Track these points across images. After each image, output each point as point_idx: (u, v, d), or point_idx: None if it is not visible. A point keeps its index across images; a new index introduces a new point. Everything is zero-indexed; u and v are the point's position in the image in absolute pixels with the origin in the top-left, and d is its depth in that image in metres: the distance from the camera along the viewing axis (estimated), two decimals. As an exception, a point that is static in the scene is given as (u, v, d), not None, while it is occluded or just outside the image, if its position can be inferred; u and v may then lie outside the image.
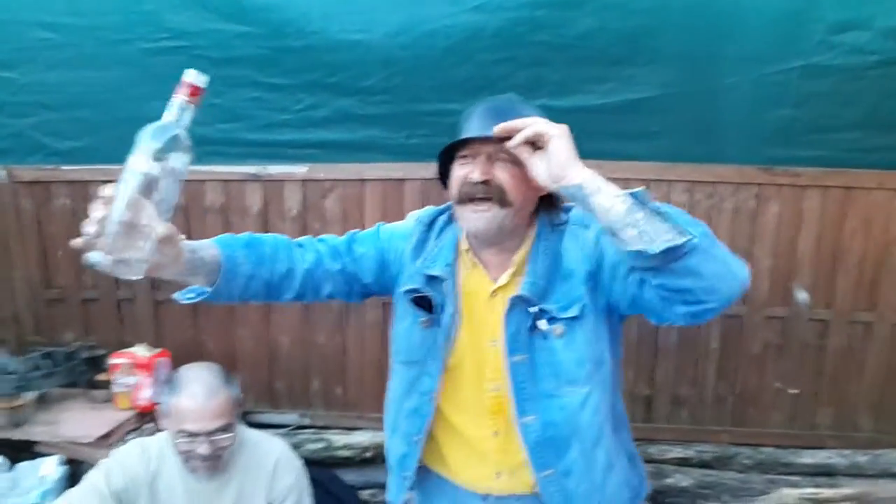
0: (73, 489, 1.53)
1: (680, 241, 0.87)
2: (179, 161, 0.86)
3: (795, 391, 2.19)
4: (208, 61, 2.10)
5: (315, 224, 2.25)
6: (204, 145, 2.20)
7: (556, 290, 1.11)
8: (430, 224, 1.25)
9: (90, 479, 1.53)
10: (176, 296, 1.09)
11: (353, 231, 1.26)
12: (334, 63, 2.06)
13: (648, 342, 2.21)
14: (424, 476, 1.28)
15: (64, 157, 2.27)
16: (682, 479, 2.23)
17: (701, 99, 1.96)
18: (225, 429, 1.47)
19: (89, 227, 0.81)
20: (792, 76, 1.90)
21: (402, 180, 2.18)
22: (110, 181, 0.83)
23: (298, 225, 2.25)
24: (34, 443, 2.01)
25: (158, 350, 2.20)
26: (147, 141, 0.84)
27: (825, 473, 2.22)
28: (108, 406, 2.16)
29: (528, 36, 1.95)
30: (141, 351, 2.17)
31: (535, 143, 0.98)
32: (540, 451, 1.12)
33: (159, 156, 0.84)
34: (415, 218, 1.27)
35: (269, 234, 1.18)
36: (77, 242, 0.82)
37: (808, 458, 2.22)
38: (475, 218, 1.08)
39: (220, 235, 1.11)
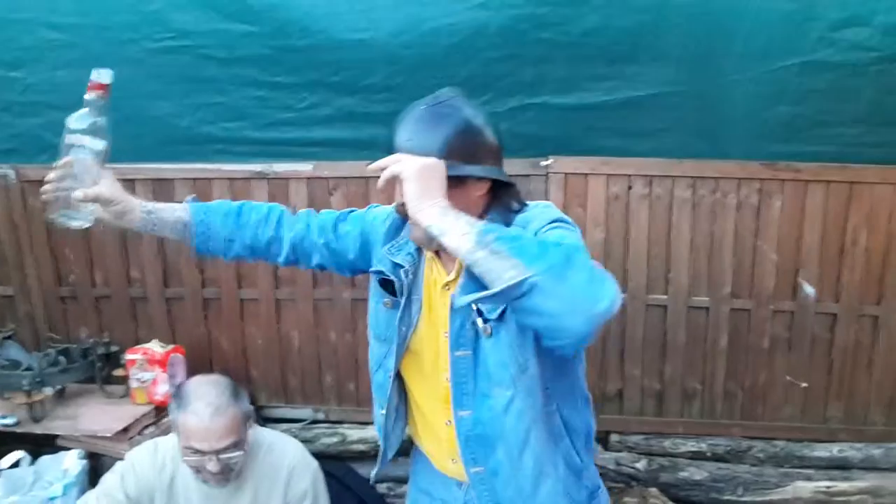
0: (89, 493, 1.69)
1: (504, 286, 0.90)
2: (100, 138, 1.20)
3: (804, 385, 2.35)
4: (213, 61, 2.28)
5: (321, 221, 2.47)
6: (210, 143, 2.41)
7: None
8: None
9: (106, 483, 1.65)
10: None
11: (349, 209, 1.43)
12: (338, 62, 2.22)
13: (656, 338, 2.38)
14: (416, 454, 1.44)
15: (71, 156, 2.50)
16: (695, 472, 2.40)
17: (703, 96, 2.10)
18: (234, 446, 1.51)
19: (45, 188, 1.17)
20: (793, 73, 2.03)
21: (406, 177, 2.38)
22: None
23: (304, 222, 2.47)
24: (55, 437, 2.23)
25: (172, 346, 2.41)
26: (75, 124, 1.18)
27: (839, 467, 2.38)
28: (125, 401, 2.37)
29: (532, 33, 2.09)
30: (155, 347, 2.37)
31: None
32: (470, 447, 1.21)
33: (86, 134, 1.18)
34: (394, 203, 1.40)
35: (268, 204, 1.39)
36: (43, 199, 1.18)
37: (822, 451, 2.38)
38: (410, 227, 1.19)
39: (214, 201, 1.37)
